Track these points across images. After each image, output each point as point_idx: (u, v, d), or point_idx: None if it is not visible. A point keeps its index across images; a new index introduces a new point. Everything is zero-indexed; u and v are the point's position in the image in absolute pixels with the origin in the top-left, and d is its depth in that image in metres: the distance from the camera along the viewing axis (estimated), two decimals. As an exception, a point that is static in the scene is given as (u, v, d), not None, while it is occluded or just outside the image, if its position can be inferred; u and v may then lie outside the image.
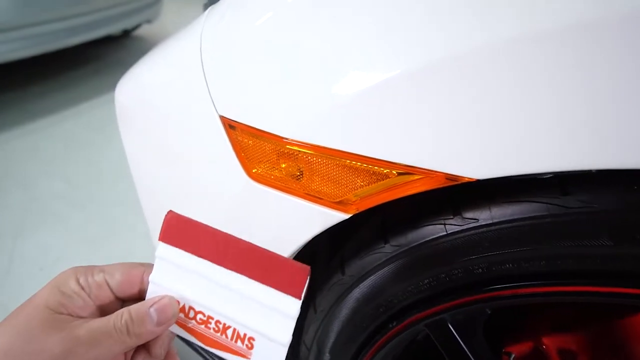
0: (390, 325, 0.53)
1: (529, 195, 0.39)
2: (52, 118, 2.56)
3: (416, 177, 0.39)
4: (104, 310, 0.39)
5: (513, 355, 0.54)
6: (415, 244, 0.47)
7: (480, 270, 0.43)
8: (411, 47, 0.36)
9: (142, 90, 0.68)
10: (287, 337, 0.39)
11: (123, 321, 0.36)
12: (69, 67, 3.20)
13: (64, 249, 1.59)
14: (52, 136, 2.37)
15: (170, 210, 0.42)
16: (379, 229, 0.51)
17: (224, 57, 0.53)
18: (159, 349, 0.40)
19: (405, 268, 0.48)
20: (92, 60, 3.36)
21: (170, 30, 3.90)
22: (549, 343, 0.51)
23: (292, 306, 0.39)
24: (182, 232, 0.41)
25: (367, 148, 0.40)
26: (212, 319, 0.40)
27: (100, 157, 2.17)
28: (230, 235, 0.40)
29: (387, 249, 0.49)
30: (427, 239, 0.46)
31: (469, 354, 0.49)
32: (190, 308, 0.41)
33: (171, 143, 0.61)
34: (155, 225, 0.76)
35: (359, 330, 0.56)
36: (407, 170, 0.39)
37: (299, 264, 0.39)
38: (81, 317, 0.36)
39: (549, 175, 0.33)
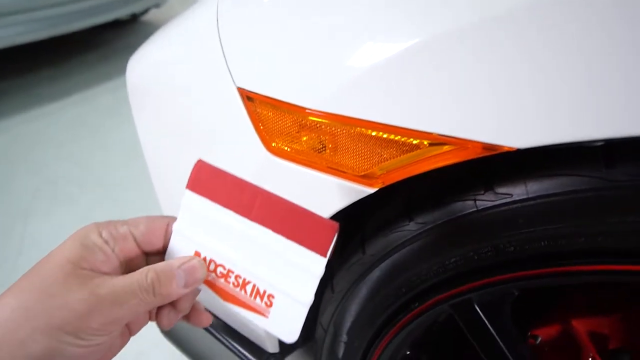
0: (413, 306, 0.51)
1: (569, 168, 0.37)
2: (60, 103, 2.56)
3: (449, 147, 0.37)
4: (127, 266, 0.37)
5: (539, 339, 0.52)
6: (442, 221, 0.45)
7: (512, 248, 0.41)
8: (445, 6, 0.34)
9: (155, 68, 0.66)
10: (309, 297, 0.37)
11: (149, 280, 0.34)
12: (77, 52, 3.19)
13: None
14: (61, 121, 2.37)
15: (200, 159, 0.40)
16: (403, 206, 0.49)
17: (243, 28, 0.51)
18: (184, 304, 0.39)
19: (430, 246, 0.46)
20: (100, 45, 3.34)
21: (178, 13, 3.85)
22: (579, 326, 0.49)
23: (317, 264, 0.37)
24: (210, 181, 0.40)
25: (396, 117, 0.38)
26: (232, 272, 0.39)
27: (110, 141, 2.16)
28: (258, 187, 0.39)
29: (412, 226, 0.47)
30: (456, 215, 0.43)
31: (496, 336, 0.47)
32: (211, 260, 0.39)
33: (186, 119, 0.60)
34: (168, 205, 0.74)
35: (379, 312, 0.54)
36: (441, 141, 0.36)
37: (327, 221, 0.37)
38: (104, 273, 0.34)
39: (598, 143, 0.31)
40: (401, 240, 0.48)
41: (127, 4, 2.91)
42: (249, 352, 0.74)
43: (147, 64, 0.68)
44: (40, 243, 1.57)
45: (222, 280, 0.39)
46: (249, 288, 0.38)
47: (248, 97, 0.49)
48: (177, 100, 0.60)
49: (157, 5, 3.29)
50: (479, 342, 0.48)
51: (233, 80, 0.50)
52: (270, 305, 0.38)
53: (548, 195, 0.37)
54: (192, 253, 0.40)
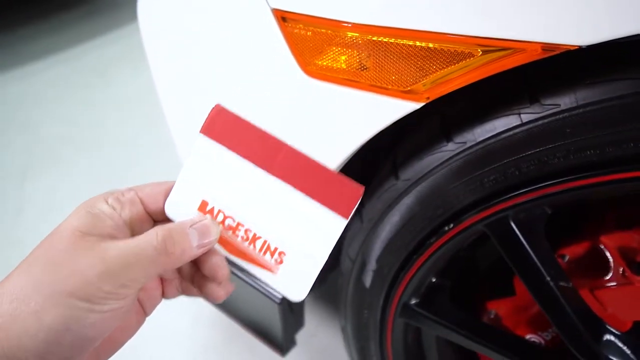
0: (447, 228, 0.52)
1: (619, 73, 0.37)
2: (45, 62, 2.46)
3: (504, 53, 0.36)
4: (137, 232, 0.36)
5: (567, 257, 0.54)
6: (483, 138, 0.45)
7: (556, 160, 0.42)
8: None
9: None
10: (324, 257, 0.36)
11: (160, 238, 0.32)
12: (59, 9, 3.03)
13: (72, 191, 1.57)
14: (49, 80, 2.28)
15: (218, 104, 0.38)
16: (440, 127, 0.49)
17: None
18: (208, 266, 0.37)
19: (470, 166, 0.46)
20: (83, 2, 3.18)
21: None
22: (608, 242, 0.51)
23: (337, 225, 0.36)
24: (227, 128, 0.37)
25: (445, 24, 0.37)
26: (242, 226, 0.37)
27: (101, 100, 2.10)
28: (282, 140, 0.37)
29: (450, 147, 0.47)
30: (498, 131, 0.44)
31: (532, 254, 0.48)
32: (220, 211, 0.38)
33: (214, 49, 0.57)
34: (186, 144, 0.73)
35: (412, 236, 0.55)
36: (496, 46, 0.36)
37: (353, 183, 0.35)
38: (114, 238, 0.33)
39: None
40: (438, 162, 0.49)
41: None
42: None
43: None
44: (38, 202, 1.54)
45: (230, 232, 0.38)
46: (258, 243, 0.37)
47: (283, 18, 0.47)
48: (201, 30, 0.58)
49: (139, -41, 3.12)
50: (513, 259, 0.50)
51: (267, 1, 0.48)
52: (281, 262, 0.37)
53: (599, 101, 0.38)
54: (198, 202, 0.38)
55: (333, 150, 0.49)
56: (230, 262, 0.38)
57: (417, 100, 0.42)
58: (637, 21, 0.31)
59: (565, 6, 0.33)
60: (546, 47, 0.34)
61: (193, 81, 0.63)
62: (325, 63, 0.46)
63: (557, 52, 0.34)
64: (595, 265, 0.52)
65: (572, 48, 0.33)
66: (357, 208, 0.61)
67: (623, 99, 0.37)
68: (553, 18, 0.33)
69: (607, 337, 0.49)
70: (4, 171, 1.69)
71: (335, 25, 0.43)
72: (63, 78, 2.30)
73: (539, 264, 0.48)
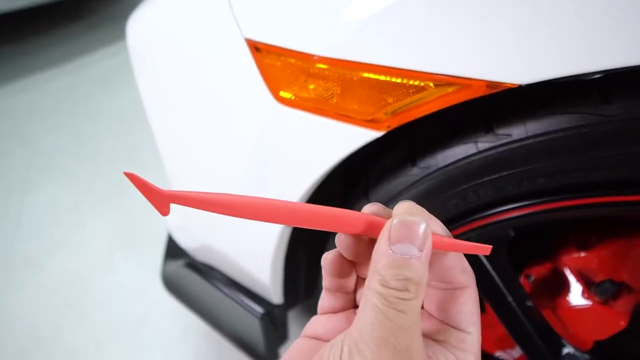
0: (415, 249, 0.54)
1: (566, 106, 0.39)
2: (48, 74, 2.51)
3: (453, 88, 0.39)
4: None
5: (532, 277, 0.55)
6: (444, 164, 0.47)
7: (510, 186, 0.44)
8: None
9: (157, 25, 0.66)
10: None
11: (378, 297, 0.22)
12: (62, 22, 3.11)
13: (73, 202, 1.60)
14: (51, 92, 2.33)
15: None
16: (407, 152, 0.51)
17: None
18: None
19: (433, 189, 0.49)
20: (86, 15, 3.25)
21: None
22: (570, 263, 0.53)
23: None
24: None
25: (403, 60, 0.40)
26: None
27: (102, 111, 2.14)
28: None
29: (415, 171, 0.50)
30: (457, 158, 0.46)
31: (494, 274, 0.50)
32: None
33: (193, 74, 0.60)
34: (174, 168, 0.75)
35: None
36: (446, 81, 0.38)
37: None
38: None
39: (596, 76, 0.33)
40: (405, 186, 0.51)
41: (112, -29, 2.82)
42: (254, 303, 0.77)
43: (149, 22, 0.68)
44: (37, 214, 1.57)
45: None
46: None
47: (256, 48, 0.50)
48: (182, 56, 0.61)
49: (143, -27, 3.20)
50: (477, 282, 0.51)
51: (240, 32, 0.51)
52: None
53: (547, 133, 0.40)
54: None
55: (302, 173, 0.51)
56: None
57: (378, 129, 0.45)
58: (569, 65, 0.33)
59: (506, 48, 0.35)
60: (490, 84, 0.36)
61: (175, 103, 0.66)
62: (294, 91, 0.48)
63: (500, 89, 0.36)
64: (559, 286, 0.54)
65: (512, 86, 0.36)
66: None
67: (566, 131, 0.39)
68: (496, 59, 0.36)
69: (568, 355, 0.50)
70: (4, 183, 1.72)
71: (303, 56, 0.46)
72: (66, 89, 2.35)
73: (500, 284, 0.50)
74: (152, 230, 1.48)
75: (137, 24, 0.70)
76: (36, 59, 2.64)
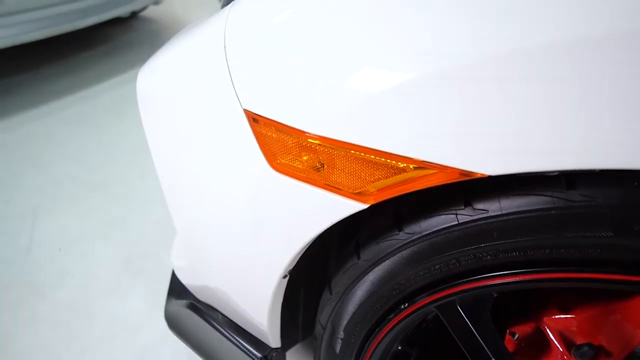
0: (402, 307, 0.56)
1: (536, 189, 0.42)
2: (64, 100, 2.60)
3: (431, 171, 0.42)
4: None
5: (517, 335, 0.57)
6: (428, 232, 0.50)
7: (488, 257, 0.47)
8: (435, 48, 0.39)
9: (164, 82, 0.70)
10: None
11: None
12: (78, 49, 3.22)
13: (82, 230, 1.65)
14: (66, 118, 2.41)
15: None
16: (394, 218, 0.54)
17: (249, 52, 0.56)
18: None
19: (417, 254, 0.51)
20: (101, 42, 3.37)
21: (178, 11, 3.89)
22: (551, 324, 0.55)
23: None
24: None
25: (386, 144, 0.43)
26: None
27: (115, 138, 2.21)
28: None
29: (401, 236, 0.53)
30: (440, 227, 0.49)
31: (476, 334, 0.52)
32: None
33: (194, 134, 0.65)
34: (176, 212, 0.79)
35: (373, 311, 0.59)
36: (423, 165, 0.42)
37: None
38: None
39: (555, 173, 0.36)
40: (392, 248, 0.54)
41: (127, 2, 2.94)
42: (253, 347, 0.80)
43: (156, 78, 0.73)
44: (48, 241, 1.62)
45: None
46: None
47: (254, 119, 0.54)
48: (184, 116, 0.65)
49: (156, 3, 3.32)
50: (461, 341, 0.54)
51: (240, 102, 0.55)
52: None
53: (519, 212, 0.43)
54: None
55: (293, 237, 0.55)
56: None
57: (365, 201, 0.48)
58: (529, 162, 0.36)
59: (477, 143, 0.38)
60: (463, 172, 0.40)
61: (177, 158, 0.70)
62: (288, 161, 0.52)
63: (471, 177, 0.40)
64: (542, 346, 0.56)
65: (482, 176, 0.39)
66: (327, 279, 0.66)
67: (536, 212, 0.42)
68: (468, 151, 0.39)
69: (550, 416, 0.52)
70: (16, 210, 1.78)
71: (297, 132, 0.50)
72: (79, 116, 2.43)
73: (483, 344, 0.52)
74: (158, 260, 1.52)
75: (146, 77, 0.74)
76: (52, 86, 2.73)
